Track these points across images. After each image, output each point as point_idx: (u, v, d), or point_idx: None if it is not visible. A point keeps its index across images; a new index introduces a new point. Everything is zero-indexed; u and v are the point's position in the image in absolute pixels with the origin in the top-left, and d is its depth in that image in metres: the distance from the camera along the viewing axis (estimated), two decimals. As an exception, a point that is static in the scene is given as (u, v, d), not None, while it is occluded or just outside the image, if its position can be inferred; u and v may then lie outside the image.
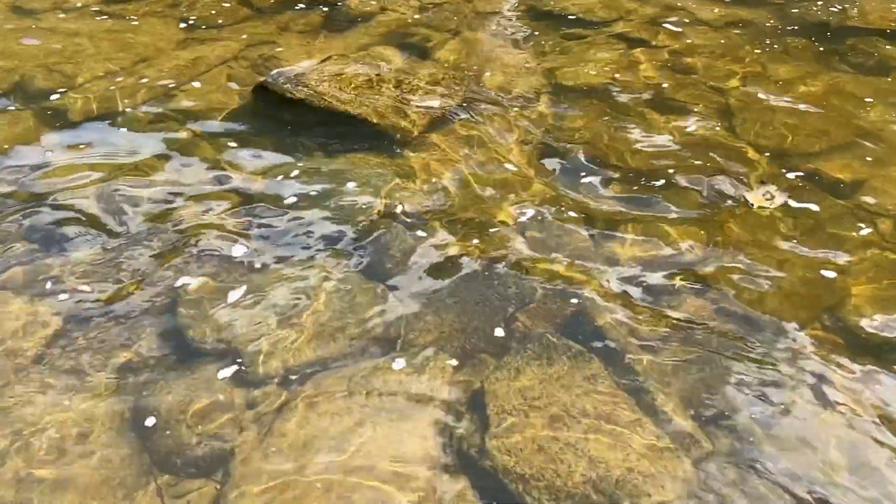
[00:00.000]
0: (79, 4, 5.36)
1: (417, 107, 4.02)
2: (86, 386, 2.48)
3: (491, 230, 3.18)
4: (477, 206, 3.33)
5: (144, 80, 4.31)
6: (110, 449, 2.30)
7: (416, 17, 5.33)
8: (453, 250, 3.06)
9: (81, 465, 2.25)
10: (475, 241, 3.11)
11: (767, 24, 5.13)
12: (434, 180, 3.51)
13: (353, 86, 4.11)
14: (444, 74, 4.46)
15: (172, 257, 3.00)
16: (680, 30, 5.08)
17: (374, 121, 3.85)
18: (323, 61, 4.43)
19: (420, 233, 3.15)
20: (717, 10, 5.36)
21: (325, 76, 4.19)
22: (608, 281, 2.91)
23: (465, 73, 4.48)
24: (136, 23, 5.12)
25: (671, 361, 2.58)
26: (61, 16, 5.21)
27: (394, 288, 2.87)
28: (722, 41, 4.90)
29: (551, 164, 3.64)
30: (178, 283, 2.87)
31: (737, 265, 2.99)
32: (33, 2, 5.42)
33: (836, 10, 5.29)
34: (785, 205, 3.33)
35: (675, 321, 2.73)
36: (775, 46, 4.83)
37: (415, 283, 2.89)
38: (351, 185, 3.44)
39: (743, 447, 2.30)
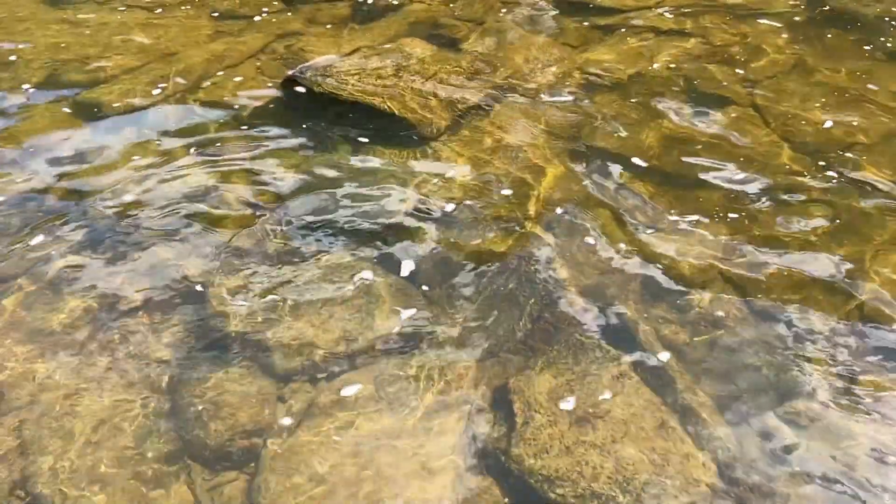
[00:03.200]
0: (110, -4, 5.42)
1: (445, 99, 4.01)
2: (121, 379, 2.53)
3: (518, 226, 3.17)
4: (505, 201, 3.32)
5: (175, 72, 4.35)
6: (144, 441, 2.35)
7: (444, 7, 5.29)
8: (480, 246, 3.06)
9: (115, 455, 2.30)
10: (502, 237, 3.11)
11: (801, 13, 5.01)
12: (461, 174, 3.50)
13: (380, 78, 4.11)
14: (472, 66, 4.43)
15: (201, 250, 3.04)
16: (711, 18, 4.98)
17: (402, 114, 3.84)
18: (350, 54, 4.43)
19: (447, 228, 3.16)
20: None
21: (353, 69, 4.19)
22: (638, 279, 2.89)
23: (493, 65, 4.45)
24: (167, 15, 5.16)
25: (702, 363, 2.56)
26: (93, 7, 5.27)
27: (420, 284, 2.88)
28: (753, 30, 4.80)
29: (581, 158, 3.61)
30: (208, 277, 2.91)
31: (772, 265, 2.95)
32: (66, -7, 5.48)
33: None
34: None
35: (706, 322, 2.71)
36: (811, 36, 4.71)
37: (441, 279, 2.90)
38: (378, 179, 3.45)
39: (772, 452, 2.28)
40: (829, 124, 3.83)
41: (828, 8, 5.07)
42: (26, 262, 2.98)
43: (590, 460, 2.23)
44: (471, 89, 4.15)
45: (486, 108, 4.02)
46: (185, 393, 2.49)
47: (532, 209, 3.28)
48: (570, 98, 4.12)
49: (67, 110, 4.02)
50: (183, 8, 5.26)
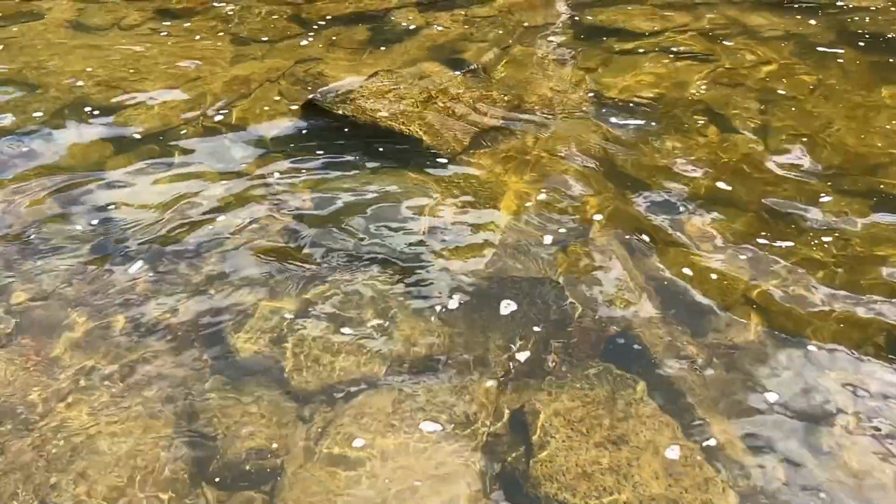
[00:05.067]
0: (136, 21, 5.56)
1: (462, 122, 4.05)
2: (138, 398, 2.56)
3: (535, 249, 3.18)
4: (521, 224, 3.34)
5: (197, 97, 4.44)
6: (160, 461, 2.37)
7: (462, 31, 5.36)
8: (497, 269, 3.07)
9: (132, 475, 2.32)
10: (519, 260, 3.12)
11: (822, 35, 5.01)
12: (478, 197, 3.53)
13: (398, 101, 4.17)
14: (489, 89, 4.48)
15: (220, 271, 3.09)
16: (730, 42, 4.99)
17: (420, 136, 3.89)
18: (369, 77, 4.50)
19: (463, 251, 3.18)
20: (767, 22, 5.25)
21: (372, 92, 4.26)
22: (654, 303, 2.88)
23: (511, 88, 4.50)
24: (189, 40, 5.28)
25: (719, 387, 2.55)
26: (119, 33, 5.41)
27: (437, 306, 2.90)
28: (774, 54, 4.81)
29: (598, 181, 3.62)
30: (227, 296, 2.95)
31: (794, 289, 2.93)
32: (93, 18, 5.65)
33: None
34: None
35: (724, 345, 2.69)
36: (828, 59, 4.71)
37: (458, 302, 2.91)
38: (396, 202, 3.48)
39: (793, 478, 2.26)
40: (848, 146, 3.81)
41: (849, 29, 5.07)
42: (51, 284, 3.04)
43: (607, 485, 2.22)
44: (488, 112, 4.19)
45: (504, 130, 4.05)
46: (203, 413, 2.51)
47: (547, 232, 3.29)
48: (587, 120, 4.14)
49: (93, 134, 4.12)
50: (205, 33, 5.38)
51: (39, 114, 4.30)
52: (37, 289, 3.02)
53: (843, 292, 2.91)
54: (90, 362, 2.70)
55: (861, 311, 2.82)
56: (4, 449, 2.40)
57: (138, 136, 4.08)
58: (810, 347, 2.68)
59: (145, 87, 4.56)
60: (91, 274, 3.09)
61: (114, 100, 4.42)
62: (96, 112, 4.31)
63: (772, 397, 2.50)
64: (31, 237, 3.31)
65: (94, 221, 3.40)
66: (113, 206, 3.50)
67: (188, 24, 5.52)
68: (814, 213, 3.34)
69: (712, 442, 2.35)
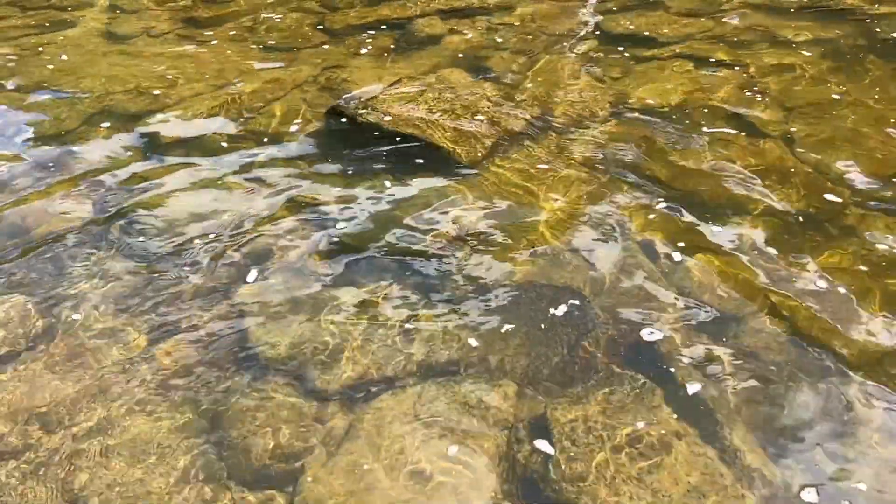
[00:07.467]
0: (164, 30, 5.68)
1: (483, 129, 4.08)
2: (163, 400, 2.62)
3: (556, 256, 3.19)
4: (543, 230, 3.35)
5: (224, 103, 4.53)
6: (184, 461, 2.42)
7: (484, 39, 5.40)
8: (518, 275, 3.09)
9: (156, 475, 2.37)
10: (540, 266, 3.14)
11: (844, 43, 4.96)
12: (500, 204, 3.55)
13: (421, 109, 4.21)
14: (511, 96, 4.50)
15: (242, 274, 3.14)
16: (754, 49, 4.97)
17: (442, 144, 3.92)
18: (393, 84, 4.55)
19: (485, 256, 3.20)
20: (793, 28, 5.22)
21: (395, 99, 4.30)
22: (676, 309, 2.88)
23: (532, 95, 4.52)
24: (216, 47, 5.38)
25: (739, 393, 2.54)
26: (149, 41, 5.54)
27: (458, 311, 2.92)
28: (799, 60, 4.77)
29: (618, 187, 3.63)
30: (249, 299, 3.00)
31: (814, 294, 2.91)
32: (123, 27, 5.78)
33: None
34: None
35: (743, 351, 2.68)
36: (854, 66, 4.66)
37: (479, 307, 2.93)
38: (418, 208, 3.52)
39: (815, 486, 2.24)
40: (869, 155, 3.77)
41: (873, 37, 5.02)
42: (75, 287, 3.11)
43: (627, 490, 2.22)
44: (509, 119, 4.21)
45: (525, 137, 4.07)
46: (225, 414, 2.55)
47: (569, 237, 3.30)
48: (609, 128, 4.15)
49: (122, 138, 4.22)
50: (232, 42, 5.48)
51: (72, 119, 4.40)
52: (65, 292, 3.09)
53: (870, 299, 2.89)
54: (117, 364, 2.76)
55: (886, 314, 2.79)
56: (34, 447, 2.46)
57: (166, 143, 4.16)
58: (834, 355, 2.66)
59: (173, 94, 4.65)
60: (117, 277, 3.16)
61: (142, 106, 4.52)
62: (126, 118, 4.41)
63: (793, 405, 2.48)
64: (59, 242, 3.39)
65: (122, 226, 3.47)
66: (140, 211, 3.57)
67: (215, 33, 5.63)
68: (830, 220, 3.31)
69: (733, 449, 2.34)
